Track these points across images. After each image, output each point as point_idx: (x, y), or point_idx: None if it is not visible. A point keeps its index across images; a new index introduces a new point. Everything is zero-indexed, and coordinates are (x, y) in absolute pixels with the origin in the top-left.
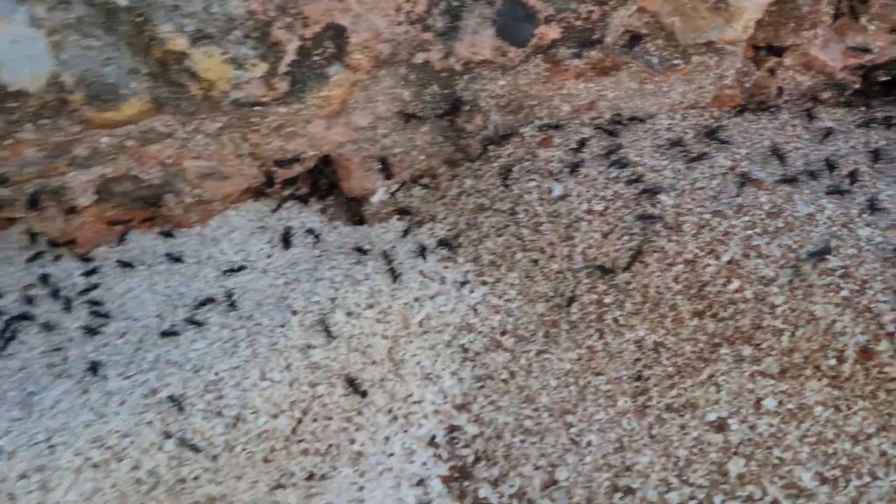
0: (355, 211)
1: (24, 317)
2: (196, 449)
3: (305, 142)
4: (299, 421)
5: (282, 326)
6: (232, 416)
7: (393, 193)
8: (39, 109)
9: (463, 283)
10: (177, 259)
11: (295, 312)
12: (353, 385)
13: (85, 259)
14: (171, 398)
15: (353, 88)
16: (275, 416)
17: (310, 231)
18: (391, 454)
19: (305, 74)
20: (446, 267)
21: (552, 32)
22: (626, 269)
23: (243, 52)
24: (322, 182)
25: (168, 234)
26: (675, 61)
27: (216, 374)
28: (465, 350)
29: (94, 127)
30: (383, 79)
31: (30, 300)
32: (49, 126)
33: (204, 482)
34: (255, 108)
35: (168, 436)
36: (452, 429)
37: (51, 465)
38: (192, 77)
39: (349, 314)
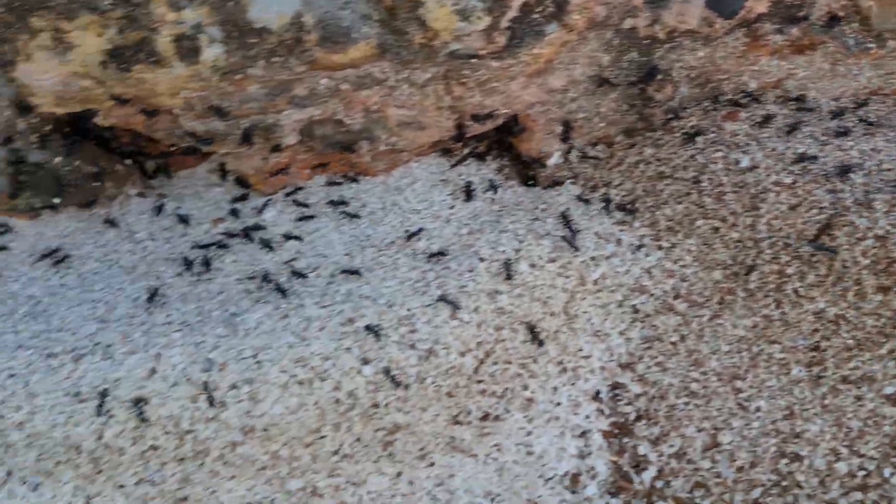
0: (528, 172)
1: (220, 245)
2: (394, 380)
3: (501, 99)
4: (481, 362)
5: (470, 271)
6: (425, 349)
7: (567, 157)
8: (276, 47)
9: (638, 247)
10: (362, 205)
11: (482, 259)
12: (533, 333)
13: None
14: (367, 328)
15: (562, 49)
16: (462, 354)
17: (491, 185)
18: (558, 404)
19: (524, 31)
20: (622, 230)
21: (760, 6)
22: (813, 241)
23: (472, 4)
24: (500, 141)
25: (353, 180)
26: (870, 45)
27: (408, 309)
28: (636, 311)
29: (318, 68)
30: (590, 42)
31: (225, 233)
32: (279, 64)
33: (393, 410)
34: (470, 60)
35: (366, 362)
36: (616, 386)
37: (259, 379)
38: (420, 26)
39: (532, 266)
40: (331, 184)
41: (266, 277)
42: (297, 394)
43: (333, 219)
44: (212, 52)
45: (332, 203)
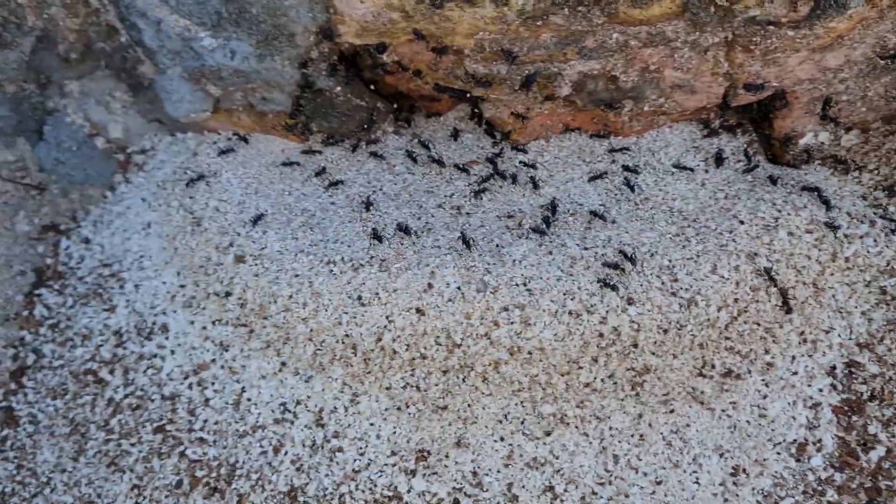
0: (777, 149)
1: (482, 183)
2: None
3: (776, 71)
4: (734, 319)
5: (730, 232)
6: (686, 298)
7: (818, 137)
8: None
9: (893, 231)
10: (613, 161)
11: (742, 222)
12: (785, 299)
13: (520, 149)
14: (632, 271)
15: (858, 25)
16: (719, 309)
17: (745, 155)
18: (794, 373)
19: (828, 1)
20: (876, 212)
21: None
22: None
23: None
24: (751, 116)
25: (603, 138)
26: None
27: (670, 260)
28: (883, 293)
29: (615, 22)
30: (885, 21)
31: (483, 176)
32: (582, 14)
33: (647, 352)
34: (767, 27)
35: (630, 302)
36: (852, 364)
37: (530, 305)
38: None
39: (790, 234)
40: (581, 139)
41: (521, 218)
42: (566, 322)
43: (586, 171)
44: None
45: (584, 158)
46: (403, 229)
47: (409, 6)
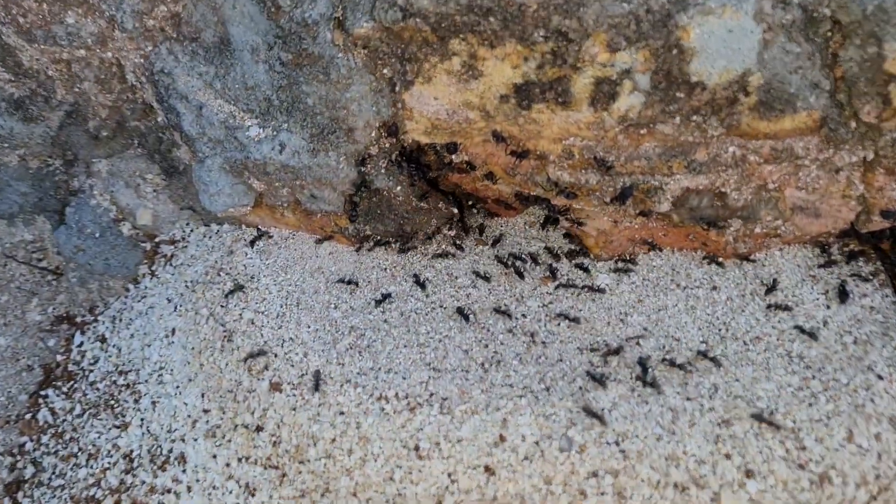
0: None
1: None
2: None
3: None
4: (873, 498)
5: (866, 389)
6: (817, 473)
7: None
8: (702, 105)
9: None
10: (714, 287)
11: (880, 377)
12: None
13: (603, 266)
14: (748, 432)
15: None
16: (857, 487)
17: (879, 288)
18: None
19: None
20: None
21: None
22: None
23: None
24: (875, 244)
25: (712, 261)
26: None
27: (794, 421)
28: None
29: (735, 134)
30: None
31: (557, 295)
32: (696, 124)
33: None
34: None
35: (749, 475)
36: None
37: (625, 472)
38: (880, 102)
39: None
40: (675, 259)
41: (613, 351)
42: (670, 499)
43: (682, 298)
44: (628, 101)
45: (678, 281)
46: (468, 359)
47: (491, 105)
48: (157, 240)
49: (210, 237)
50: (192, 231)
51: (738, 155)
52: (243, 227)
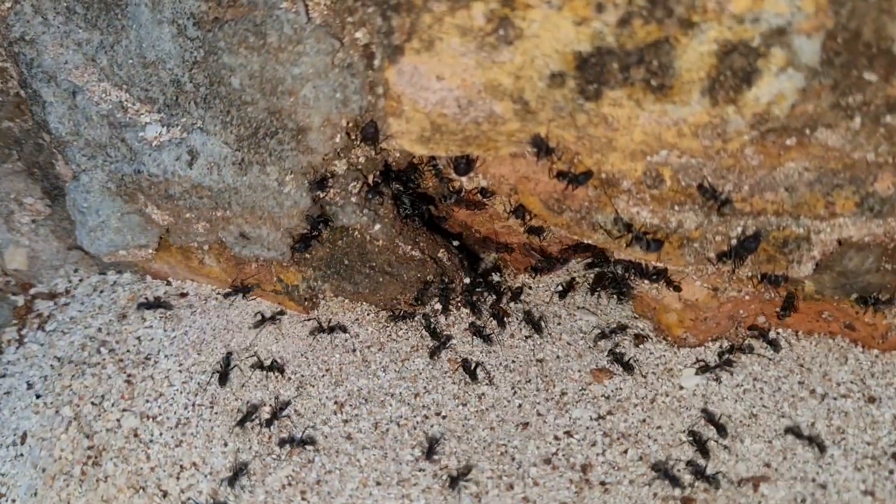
0: None
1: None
2: None
3: None
4: None
5: None
6: None
7: None
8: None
9: None
10: (871, 399)
11: None
12: None
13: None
14: None
15: None
16: None
17: None
18: None
19: None
20: None
21: None
22: None
23: None
24: None
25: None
26: None
27: None
28: None
29: None
30: None
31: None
32: (887, 133)
33: None
34: None
35: None
36: None
37: None
38: None
39: None
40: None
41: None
42: None
43: (821, 414)
44: (775, 87)
45: (812, 383)
46: None
47: (533, 92)
48: (32, 292)
49: (102, 291)
50: (80, 281)
51: None
52: (148, 278)
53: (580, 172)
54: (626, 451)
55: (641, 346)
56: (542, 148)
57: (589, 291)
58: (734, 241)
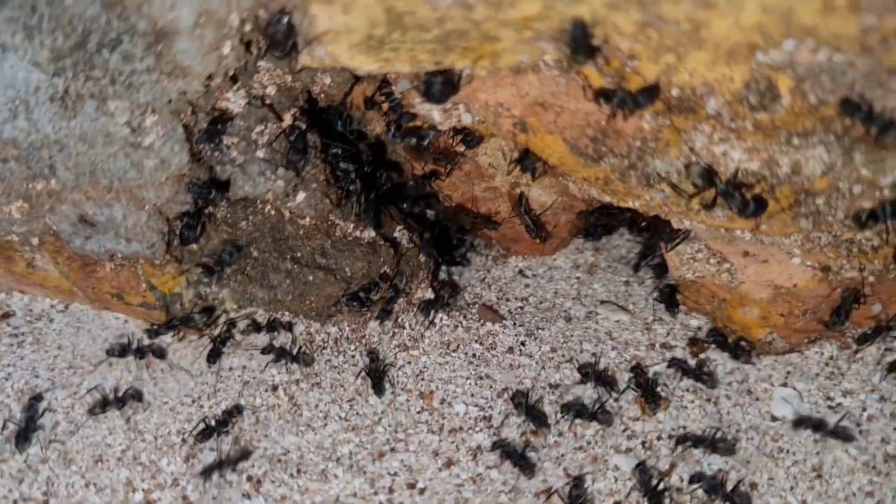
0: None
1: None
2: None
3: None
4: None
5: None
6: None
7: None
8: None
9: None
10: None
11: None
12: None
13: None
14: None
15: None
16: None
17: None
18: None
19: None
20: None
21: None
22: None
23: None
24: None
25: None
26: None
27: None
28: None
29: None
30: None
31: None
32: None
33: None
34: None
35: None
36: None
37: None
38: None
39: None
40: None
41: None
42: None
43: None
44: None
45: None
46: None
47: None
48: None
49: None
50: None
51: None
52: None
53: (640, 89)
54: None
55: (704, 352)
56: (580, 46)
57: (633, 270)
58: (888, 192)
